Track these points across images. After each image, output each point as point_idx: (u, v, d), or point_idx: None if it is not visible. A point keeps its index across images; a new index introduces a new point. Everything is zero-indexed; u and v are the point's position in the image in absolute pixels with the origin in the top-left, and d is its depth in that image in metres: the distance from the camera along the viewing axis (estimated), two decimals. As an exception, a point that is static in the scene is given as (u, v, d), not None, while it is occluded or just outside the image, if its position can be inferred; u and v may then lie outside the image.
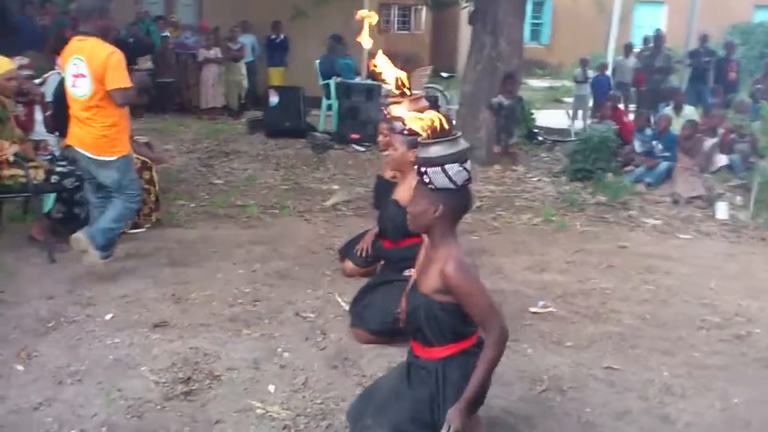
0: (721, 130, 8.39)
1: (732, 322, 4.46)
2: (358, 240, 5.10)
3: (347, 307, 4.24)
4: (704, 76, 10.72)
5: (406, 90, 3.78)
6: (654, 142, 8.40)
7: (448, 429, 2.46)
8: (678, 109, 9.17)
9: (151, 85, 9.02)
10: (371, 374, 3.48)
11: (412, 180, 3.86)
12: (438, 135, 2.56)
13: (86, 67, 4.33)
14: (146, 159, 5.81)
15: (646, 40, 12.16)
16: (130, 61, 11.15)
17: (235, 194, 7.05)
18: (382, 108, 5.06)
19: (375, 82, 9.61)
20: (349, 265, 4.93)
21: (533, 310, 4.49)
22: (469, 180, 2.57)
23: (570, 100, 14.07)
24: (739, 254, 6.05)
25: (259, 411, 3.12)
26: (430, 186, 2.57)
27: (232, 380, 3.38)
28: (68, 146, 4.69)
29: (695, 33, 11.90)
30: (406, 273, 3.89)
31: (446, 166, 2.52)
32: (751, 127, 7.93)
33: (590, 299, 4.74)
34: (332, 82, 9.89)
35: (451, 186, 2.55)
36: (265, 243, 5.57)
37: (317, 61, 10.68)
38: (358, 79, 10.43)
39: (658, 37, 10.99)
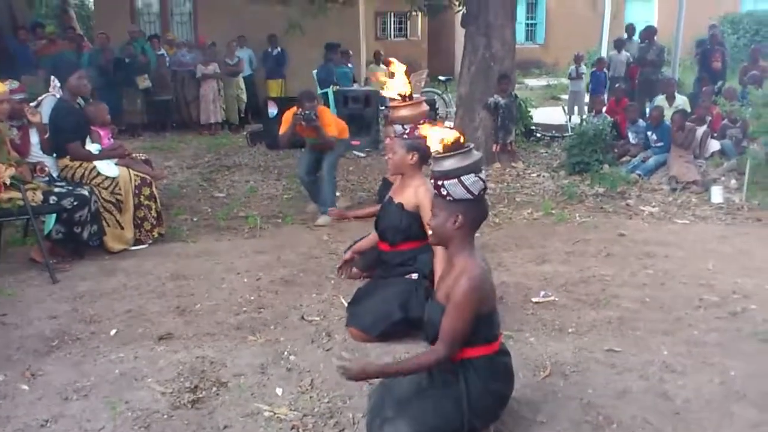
0: (709, 117, 8.44)
1: (729, 300, 4.53)
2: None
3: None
4: (710, 63, 10.79)
5: (407, 95, 3.92)
6: (648, 133, 8.45)
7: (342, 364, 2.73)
8: (671, 99, 9.24)
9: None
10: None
11: (412, 183, 3.96)
12: (451, 148, 2.67)
13: None
14: (145, 176, 5.90)
15: (635, 34, 12.22)
16: (128, 81, 11.34)
17: (236, 206, 7.16)
18: (385, 113, 5.13)
19: (373, 89, 9.69)
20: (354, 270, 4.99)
21: (535, 300, 4.55)
22: (484, 189, 2.70)
23: (567, 97, 14.15)
24: (734, 236, 6.11)
25: (266, 414, 3.18)
26: (448, 198, 2.68)
27: (239, 386, 3.44)
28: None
29: (684, 26, 11.97)
30: (409, 277, 3.97)
31: (463, 178, 2.63)
32: (742, 112, 7.98)
33: (590, 287, 4.81)
34: (330, 90, 9.99)
35: (469, 196, 2.67)
36: (268, 252, 5.65)
37: (314, 71, 10.78)
38: (355, 86, 10.52)
39: (650, 31, 11.05)
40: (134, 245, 5.73)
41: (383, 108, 11.37)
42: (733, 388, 3.37)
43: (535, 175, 8.57)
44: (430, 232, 2.86)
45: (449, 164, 2.67)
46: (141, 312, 4.40)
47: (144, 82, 11.51)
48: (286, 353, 3.78)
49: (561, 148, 9.62)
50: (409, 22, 20.94)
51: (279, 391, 3.40)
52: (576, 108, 12.08)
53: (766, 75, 9.43)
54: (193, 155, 10.03)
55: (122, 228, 5.69)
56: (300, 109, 6.36)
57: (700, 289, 4.74)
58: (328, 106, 10.04)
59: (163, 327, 4.15)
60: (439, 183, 2.70)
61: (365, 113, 9.59)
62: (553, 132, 10.92)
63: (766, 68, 10.02)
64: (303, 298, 4.61)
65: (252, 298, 4.62)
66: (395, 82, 4.09)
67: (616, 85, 10.50)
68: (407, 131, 3.96)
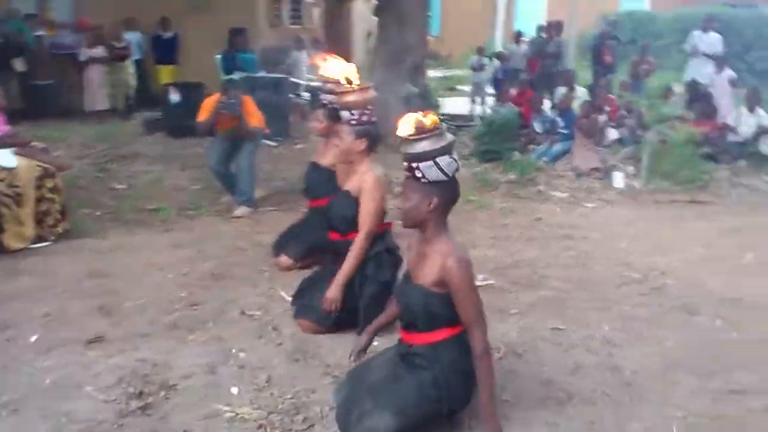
0: (607, 108, 8.85)
1: (648, 276, 4.83)
2: (290, 234, 5.04)
3: (290, 300, 4.19)
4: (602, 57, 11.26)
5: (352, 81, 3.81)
6: (558, 119, 8.74)
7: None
8: (571, 90, 9.60)
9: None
10: (334, 363, 3.49)
11: (362, 170, 3.87)
12: (423, 130, 2.62)
13: None
14: (48, 166, 5.46)
15: (541, 29, 12.59)
16: (2, 64, 10.42)
17: (140, 198, 6.76)
18: (321, 98, 4.96)
19: (282, 75, 9.42)
20: (284, 259, 4.86)
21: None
22: (457, 170, 2.69)
23: (464, 87, 14.44)
24: (639, 218, 6.50)
25: (228, 414, 3.04)
26: (422, 180, 2.64)
27: (189, 388, 3.26)
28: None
29: (578, 22, 12.47)
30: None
31: (437, 159, 2.59)
32: (637, 103, 8.46)
33: (521, 269, 4.94)
34: (235, 77, 9.63)
35: (444, 178, 2.64)
36: (188, 246, 5.39)
37: (218, 56, 10.35)
38: (262, 73, 10.19)
39: (552, 26, 11.42)
40: (35, 242, 5.29)
41: (299, 95, 11.18)
42: (670, 358, 3.60)
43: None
44: (401, 214, 2.81)
45: (423, 146, 2.64)
46: (61, 314, 4.06)
47: (20, 65, 10.66)
48: (234, 351, 3.62)
49: (469, 137, 9.76)
50: (304, 9, 20.59)
51: (234, 390, 3.25)
52: (479, 98, 12.31)
53: (653, 69, 10.00)
54: (81, 145, 9.36)
55: (21, 224, 5.24)
56: (223, 97, 6.08)
57: (620, 267, 5.01)
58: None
59: (90, 330, 3.84)
60: (414, 165, 2.67)
61: (275, 101, 9.29)
62: (461, 122, 11.08)
63: (653, 62, 10.60)
64: (237, 292, 4.43)
65: (182, 294, 4.38)
66: (340, 68, 3.97)
67: (521, 77, 10.76)
68: (356, 117, 3.85)
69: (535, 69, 11.51)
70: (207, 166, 6.59)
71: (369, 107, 3.92)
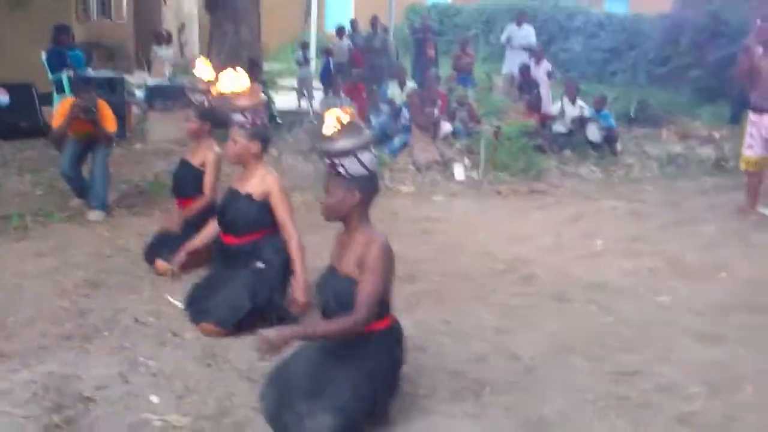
0: (438, 101, 9.39)
1: (514, 266, 5.20)
2: (162, 237, 4.97)
3: (181, 305, 4.18)
4: (425, 51, 11.83)
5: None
6: (404, 110, 9.09)
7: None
8: (402, 84, 10.08)
9: None
10: (246, 366, 3.54)
11: (257, 172, 3.97)
12: (342, 127, 2.77)
13: None
14: None
15: (353, 24, 13.00)
16: None
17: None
18: (192, 98, 4.95)
19: (116, 75, 8.98)
20: (161, 263, 4.78)
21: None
22: (376, 164, 2.82)
23: (284, 82, 14.55)
24: (487, 208, 6.97)
25: (157, 423, 3.03)
26: (345, 176, 2.76)
27: (107, 399, 3.20)
28: None
29: (381, 14, 13.03)
30: (258, 265, 3.98)
31: (359, 154, 2.74)
32: (468, 96, 9.05)
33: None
34: (64, 75, 9.05)
35: (365, 172, 2.78)
36: (51, 254, 5.12)
37: (43, 55, 9.64)
38: (90, 71, 9.66)
39: (375, 20, 11.87)
40: None
41: (132, 94, 10.66)
42: (559, 343, 3.93)
43: (290, 160, 8.78)
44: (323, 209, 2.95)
45: (345, 143, 2.78)
46: (-60, 334, 3.78)
47: None
48: (141, 359, 3.57)
49: (305, 133, 9.89)
50: (113, 3, 19.50)
51: (154, 398, 3.24)
52: (305, 92, 12.51)
53: (473, 62, 10.69)
54: None
55: None
56: (79, 101, 5.81)
57: (485, 258, 5.36)
58: (63, 92, 9.15)
59: (-20, 347, 3.62)
60: (336, 162, 2.80)
61: (110, 100, 8.86)
62: (293, 117, 11.19)
63: (473, 55, 11.34)
64: (123, 299, 4.32)
65: (65, 304, 4.21)
66: (231, 74, 4.03)
67: (353, 72, 11.09)
68: (249, 119, 3.95)
69: (359, 63, 11.92)
70: (59, 170, 6.25)
71: (260, 109, 4.04)
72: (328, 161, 2.83)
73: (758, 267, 5.31)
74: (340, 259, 2.96)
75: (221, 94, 4.07)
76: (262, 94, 4.16)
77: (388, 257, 2.86)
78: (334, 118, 2.81)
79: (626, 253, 5.64)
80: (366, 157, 2.81)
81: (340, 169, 2.80)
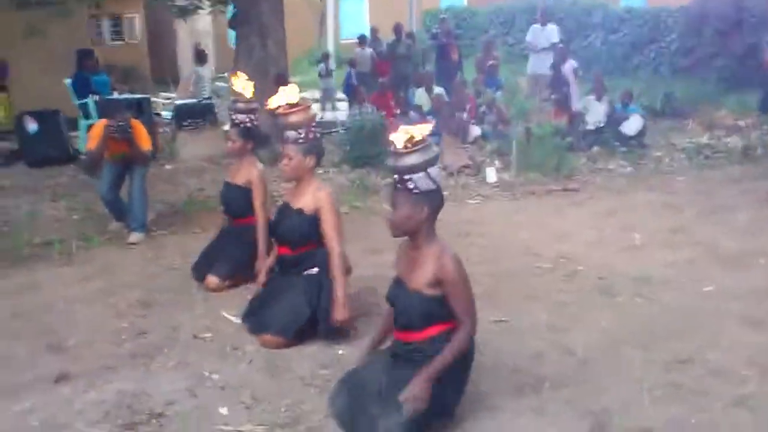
0: (468, 105, 9.47)
1: (559, 264, 5.23)
2: (211, 254, 5.03)
3: (236, 320, 4.25)
4: (448, 55, 11.83)
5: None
6: (429, 117, 9.18)
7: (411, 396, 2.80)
8: (429, 90, 10.14)
9: None
10: (309, 374, 3.61)
11: (310, 187, 4.03)
12: (412, 143, 2.84)
13: None
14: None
15: (374, 32, 13.06)
16: None
17: (23, 234, 6.33)
18: (233, 118, 5.04)
19: (143, 96, 9.11)
20: (212, 279, 4.85)
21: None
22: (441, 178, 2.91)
23: (304, 94, 14.64)
24: (523, 209, 6.98)
25: (231, 433, 3.10)
26: (414, 191, 2.82)
27: (178, 413, 3.27)
28: None
29: (395, 20, 13.08)
30: (311, 272, 4.03)
31: (429, 170, 2.80)
32: (496, 99, 9.10)
33: (441, 269, 5.23)
34: (90, 100, 9.23)
35: (434, 187, 2.85)
36: (97, 277, 5.21)
37: (68, 80, 9.82)
38: (116, 94, 9.83)
39: (399, 27, 11.93)
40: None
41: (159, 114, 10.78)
42: (612, 337, 3.98)
43: (321, 171, 8.85)
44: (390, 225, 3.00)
45: (415, 159, 2.85)
46: (7, 358, 3.88)
47: None
48: (206, 373, 3.64)
49: (334, 144, 9.96)
50: (125, 24, 19.82)
51: (223, 410, 3.30)
52: (329, 104, 12.61)
53: (499, 64, 10.66)
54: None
55: None
56: (112, 121, 5.89)
57: (529, 258, 5.39)
58: (89, 117, 9.32)
59: (48, 368, 3.71)
60: (406, 177, 2.86)
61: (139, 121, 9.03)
62: (321, 129, 11.27)
63: (498, 57, 11.32)
64: (178, 317, 4.39)
65: (124, 324, 4.30)
66: (283, 92, 4.09)
67: (379, 81, 11.14)
68: (302, 135, 4.01)
69: (383, 72, 11.94)
70: (98, 194, 6.36)
71: (313, 124, 4.10)
72: (397, 177, 2.88)
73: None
74: (409, 273, 3.02)
75: (272, 111, 4.11)
76: (312, 110, 4.19)
77: (462, 266, 2.97)
78: (405, 135, 2.86)
79: (665, 244, 5.67)
80: (435, 171, 2.88)
81: (410, 185, 2.85)
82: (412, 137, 2.88)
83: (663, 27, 14.91)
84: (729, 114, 10.92)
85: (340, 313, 3.88)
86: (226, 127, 9.27)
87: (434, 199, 2.95)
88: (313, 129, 4.08)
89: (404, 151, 2.87)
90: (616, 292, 4.66)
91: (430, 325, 2.99)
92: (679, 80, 13.37)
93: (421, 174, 2.86)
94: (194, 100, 10.59)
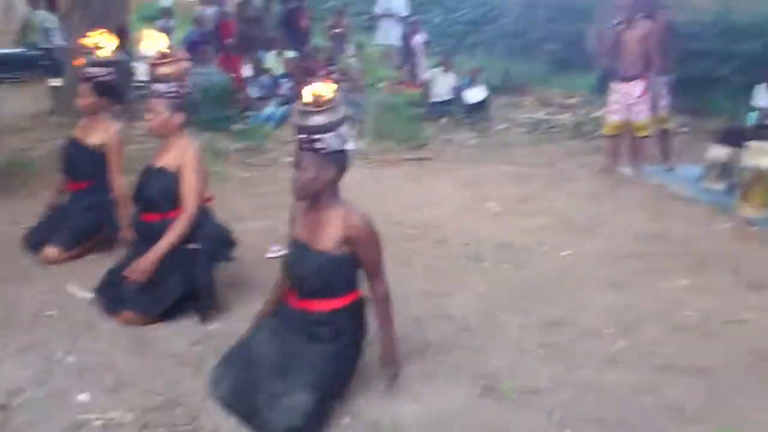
0: (322, 72, 9.24)
1: (426, 231, 5.23)
2: (49, 223, 4.48)
3: (86, 295, 3.80)
4: (297, 21, 11.44)
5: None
6: (282, 81, 8.82)
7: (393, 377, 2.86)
8: (280, 54, 9.78)
9: None
10: (181, 352, 3.29)
11: (181, 144, 3.63)
12: (320, 102, 2.64)
13: None
14: None
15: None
16: None
17: None
18: (85, 71, 4.43)
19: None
20: (50, 251, 4.30)
21: (269, 256, 4.57)
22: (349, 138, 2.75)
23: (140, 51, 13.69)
24: (379, 177, 6.89)
25: (97, 423, 2.72)
26: (323, 151, 2.65)
27: (27, 404, 2.84)
28: None
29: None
30: (191, 246, 3.64)
31: (340, 129, 2.65)
32: (351, 66, 8.97)
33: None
34: None
35: (343, 147, 2.70)
36: None
37: None
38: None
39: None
40: None
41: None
42: (488, 301, 4.03)
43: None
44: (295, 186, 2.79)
45: (325, 118, 2.67)
46: None
47: None
48: (59, 355, 3.20)
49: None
50: None
51: (83, 397, 2.91)
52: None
53: (347, 32, 10.53)
54: None
55: None
56: None
57: (396, 225, 5.23)
58: None
59: None
60: (316, 137, 2.67)
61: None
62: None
63: (347, 25, 11.17)
64: (16, 292, 3.86)
65: (-55, 304, 3.68)
66: (152, 39, 3.65)
67: (225, 42, 10.56)
68: (173, 90, 3.60)
69: (226, 33, 11.38)
70: None
71: (185, 79, 3.69)
72: (304, 137, 2.68)
73: (631, 219, 5.66)
74: (311, 235, 2.82)
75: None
76: (185, 62, 3.76)
77: (372, 224, 2.85)
78: (312, 94, 2.66)
79: (520, 213, 5.84)
80: (345, 131, 2.72)
81: (320, 145, 2.67)
82: (321, 95, 2.67)
83: (500, 10, 15.47)
84: (560, 92, 11.54)
85: (145, 264, 3.52)
86: (55, 83, 8.52)
87: (342, 159, 2.78)
88: (184, 84, 3.68)
89: (315, 109, 2.66)
90: (482, 257, 4.74)
91: (338, 295, 2.84)
92: (515, 60, 13.99)
93: (333, 133, 2.68)
94: (18, 51, 9.40)
